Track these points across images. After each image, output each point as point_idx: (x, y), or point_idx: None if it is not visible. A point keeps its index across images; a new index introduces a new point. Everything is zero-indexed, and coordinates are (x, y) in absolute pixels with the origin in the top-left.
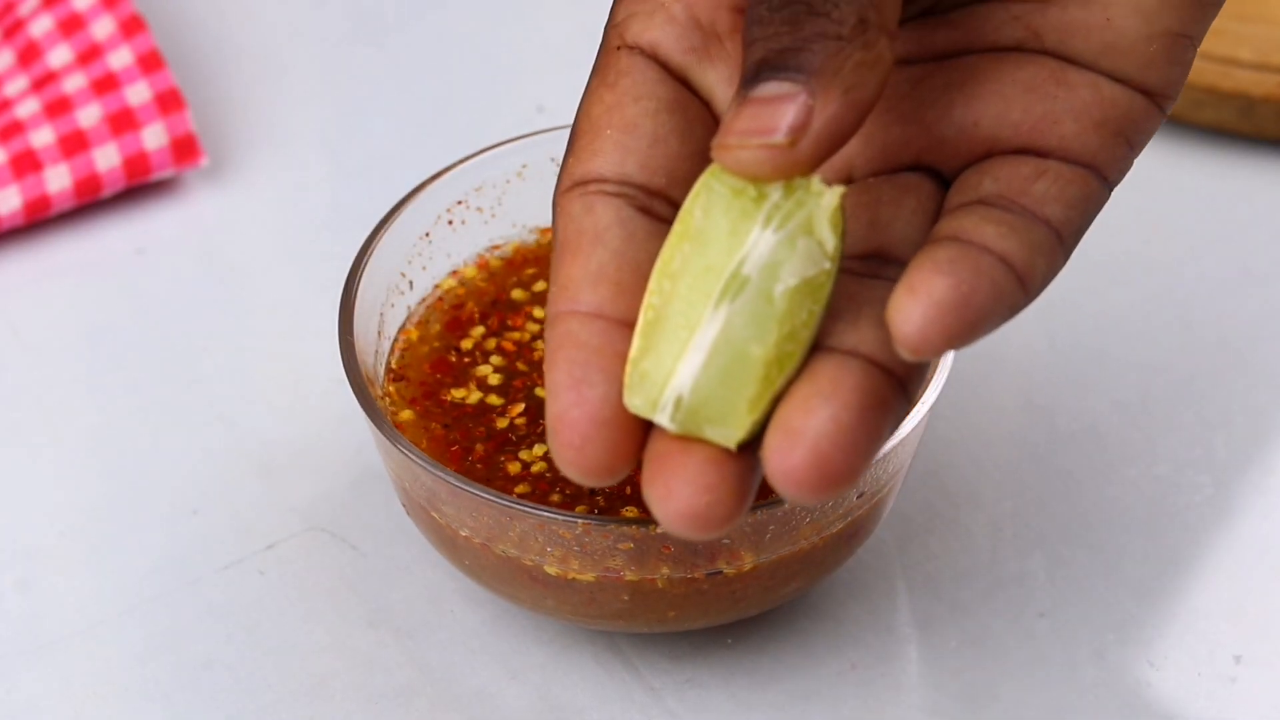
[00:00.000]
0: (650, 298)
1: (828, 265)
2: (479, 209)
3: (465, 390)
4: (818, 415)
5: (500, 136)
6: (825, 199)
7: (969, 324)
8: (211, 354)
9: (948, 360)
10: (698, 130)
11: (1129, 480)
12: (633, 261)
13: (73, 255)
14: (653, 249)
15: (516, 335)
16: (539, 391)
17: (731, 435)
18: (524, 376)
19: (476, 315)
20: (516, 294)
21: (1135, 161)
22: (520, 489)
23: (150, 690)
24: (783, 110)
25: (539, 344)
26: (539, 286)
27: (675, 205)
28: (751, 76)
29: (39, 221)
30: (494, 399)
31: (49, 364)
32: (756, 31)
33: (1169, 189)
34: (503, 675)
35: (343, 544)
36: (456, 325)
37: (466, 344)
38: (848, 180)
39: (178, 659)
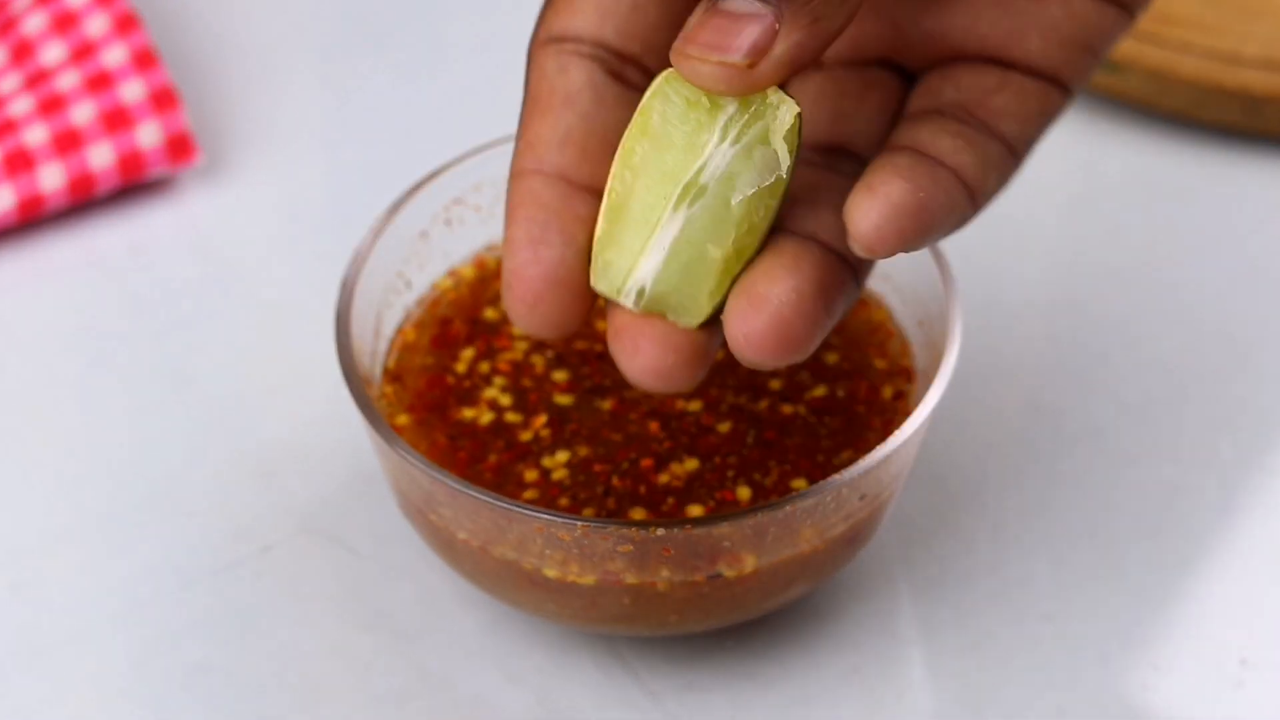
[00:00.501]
0: (613, 182)
1: (784, 174)
2: (477, 208)
3: (476, 410)
4: (782, 284)
5: (499, 136)
6: (781, 115)
7: (922, 228)
8: (207, 354)
9: (950, 361)
10: (677, 2)
11: (1133, 482)
12: (600, 128)
13: (67, 255)
14: (622, 117)
15: (509, 356)
16: (558, 399)
17: (692, 321)
18: (534, 390)
19: (463, 335)
20: (489, 313)
21: (1137, 161)
22: (529, 494)
23: (145, 693)
24: (747, 30)
25: (536, 359)
26: None
27: (649, 73)
28: None
29: (33, 221)
30: (512, 416)
31: (42, 364)
32: None
33: (1173, 187)
34: (501, 679)
35: (339, 546)
36: (444, 342)
37: (460, 367)
38: (818, 66)
39: (173, 662)
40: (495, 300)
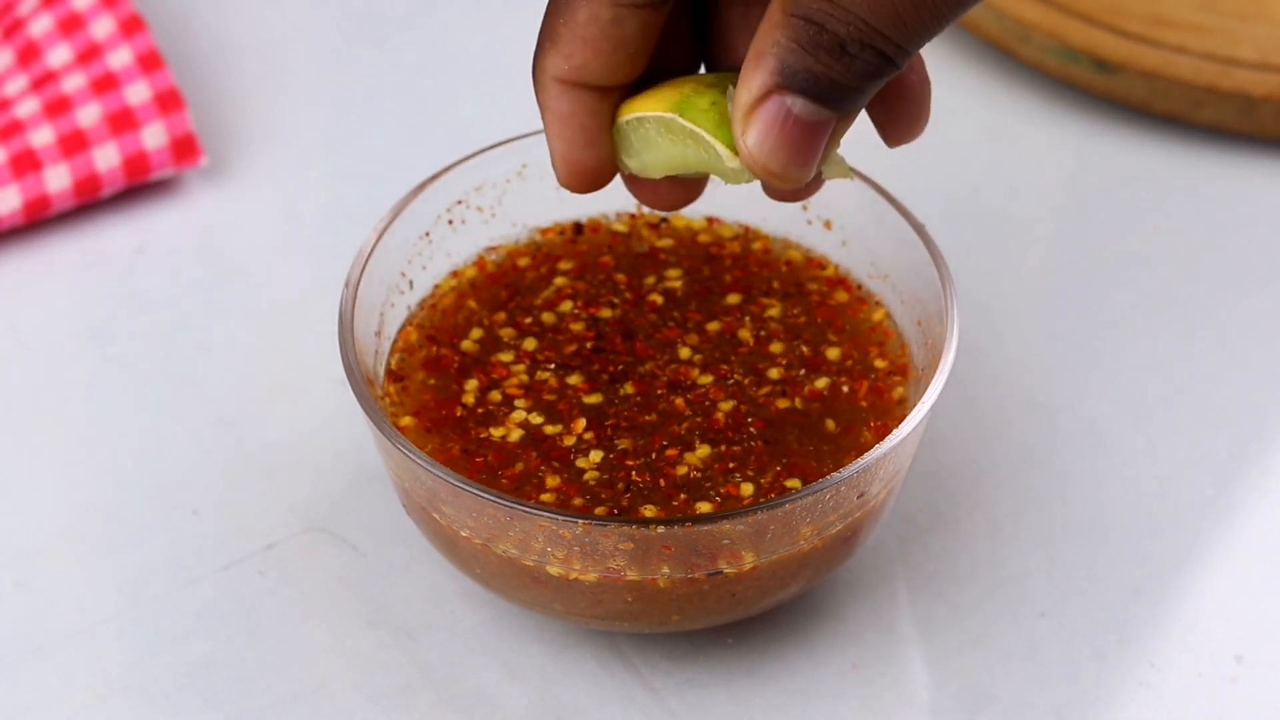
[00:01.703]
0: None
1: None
2: (479, 208)
3: (504, 429)
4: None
5: (500, 136)
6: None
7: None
8: (211, 354)
9: (948, 360)
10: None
11: (1130, 480)
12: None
13: (72, 255)
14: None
15: (515, 381)
16: (587, 400)
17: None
18: (560, 400)
19: (454, 364)
20: (467, 344)
21: (1133, 162)
22: (546, 498)
23: (150, 690)
24: (813, 140)
25: (542, 374)
26: (499, 330)
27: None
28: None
29: (39, 221)
30: (551, 428)
31: (48, 363)
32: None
33: (1169, 188)
34: (503, 675)
35: (343, 544)
36: (438, 367)
37: (468, 399)
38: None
39: (178, 659)
40: (469, 323)
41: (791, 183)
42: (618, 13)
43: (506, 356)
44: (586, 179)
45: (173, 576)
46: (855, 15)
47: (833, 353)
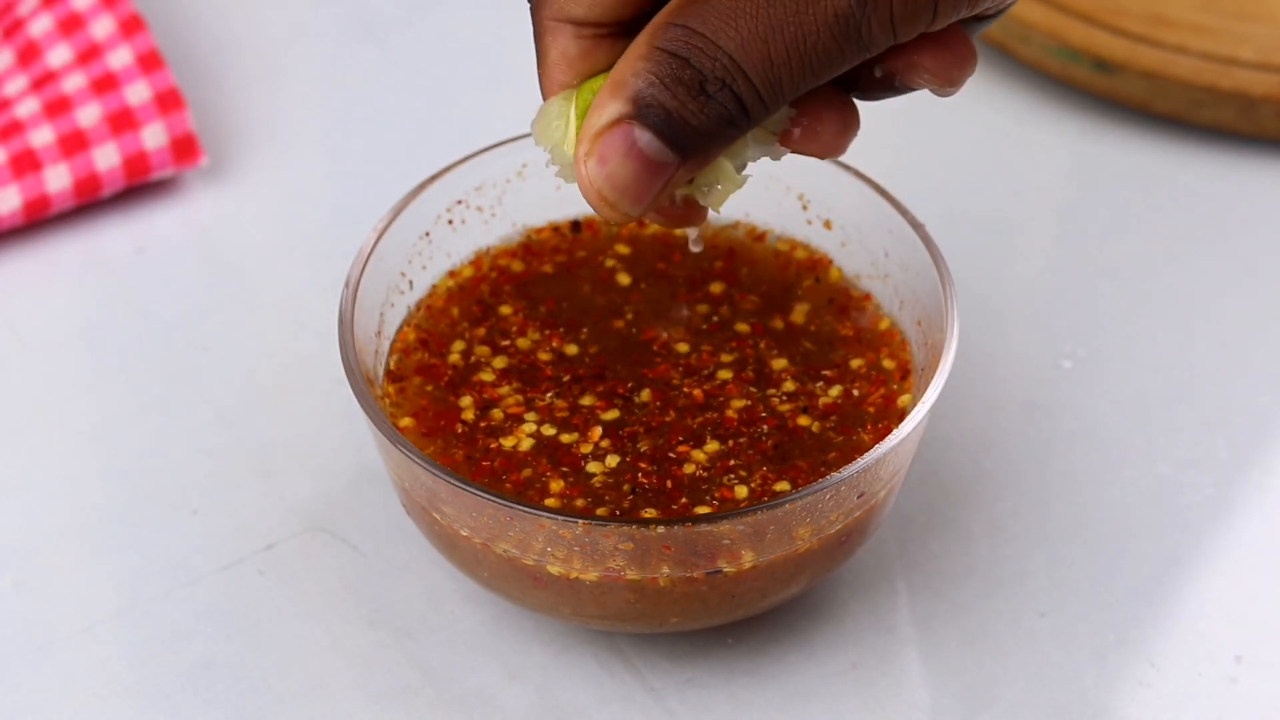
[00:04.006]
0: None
1: None
2: (479, 208)
3: (515, 439)
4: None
5: (500, 136)
6: None
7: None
8: (211, 354)
9: (948, 360)
10: None
11: (1129, 480)
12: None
13: (72, 255)
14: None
15: (513, 400)
16: (606, 416)
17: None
18: (576, 415)
19: (445, 376)
20: (454, 356)
21: (1133, 163)
22: (550, 502)
23: (150, 690)
24: (653, 179)
25: (557, 402)
26: (486, 344)
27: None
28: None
29: (39, 221)
30: (567, 437)
31: (49, 364)
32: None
33: (1169, 188)
34: (503, 675)
35: (342, 544)
36: (432, 376)
37: (468, 415)
38: None
39: (177, 659)
40: (455, 333)
41: (618, 216)
42: None
43: (500, 362)
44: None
45: (173, 576)
46: (724, 52)
47: (837, 353)
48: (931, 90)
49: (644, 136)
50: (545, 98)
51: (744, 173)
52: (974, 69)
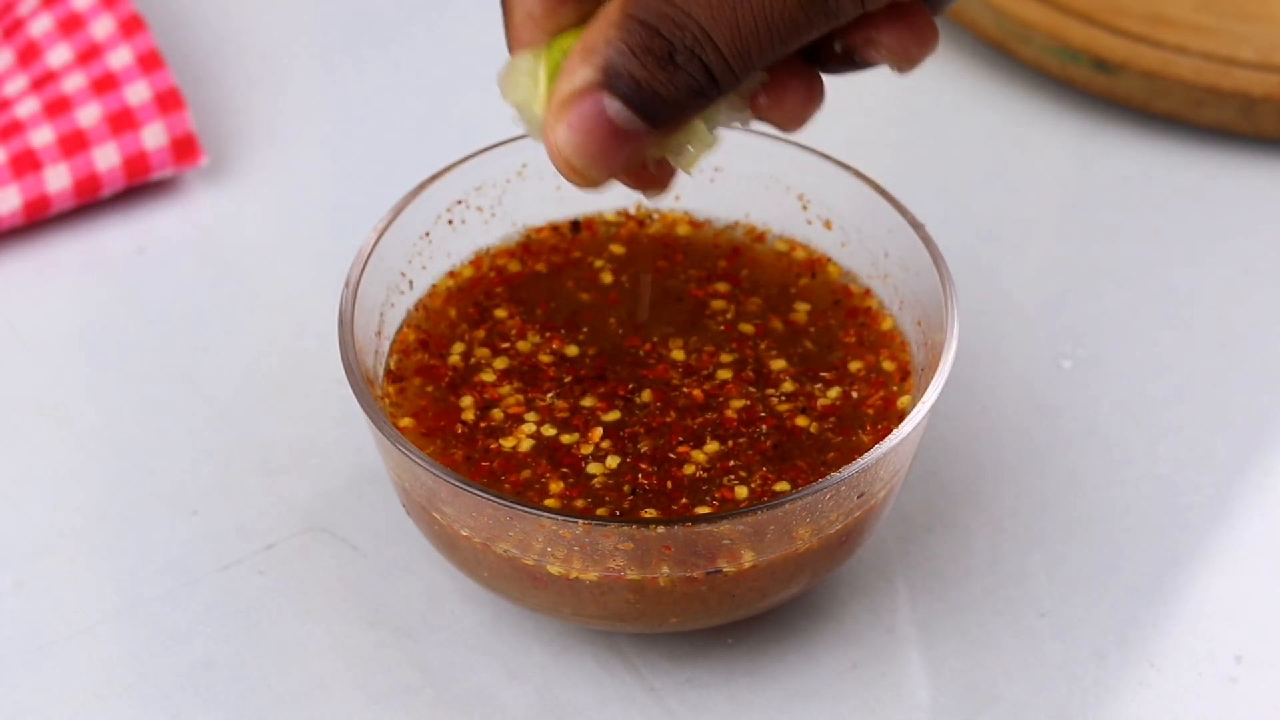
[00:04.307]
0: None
1: None
2: (479, 208)
3: (514, 439)
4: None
5: (500, 136)
6: None
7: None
8: (211, 354)
9: (948, 360)
10: None
11: (1129, 480)
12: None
13: (72, 255)
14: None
15: (513, 400)
16: (607, 417)
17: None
18: (576, 416)
19: (445, 377)
20: (454, 358)
21: (1133, 163)
22: (550, 502)
23: (150, 690)
24: (622, 147)
25: (557, 402)
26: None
27: None
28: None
29: (39, 221)
30: (567, 437)
31: (49, 364)
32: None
33: (1169, 189)
34: (503, 675)
35: (343, 544)
36: (432, 376)
37: (468, 415)
38: None
39: (178, 659)
40: (454, 335)
41: (587, 183)
42: None
43: (500, 363)
44: None
45: (172, 577)
46: (694, 20)
47: (836, 354)
48: (891, 67)
49: (613, 105)
50: (511, 54)
51: (715, 133)
52: (935, 48)
